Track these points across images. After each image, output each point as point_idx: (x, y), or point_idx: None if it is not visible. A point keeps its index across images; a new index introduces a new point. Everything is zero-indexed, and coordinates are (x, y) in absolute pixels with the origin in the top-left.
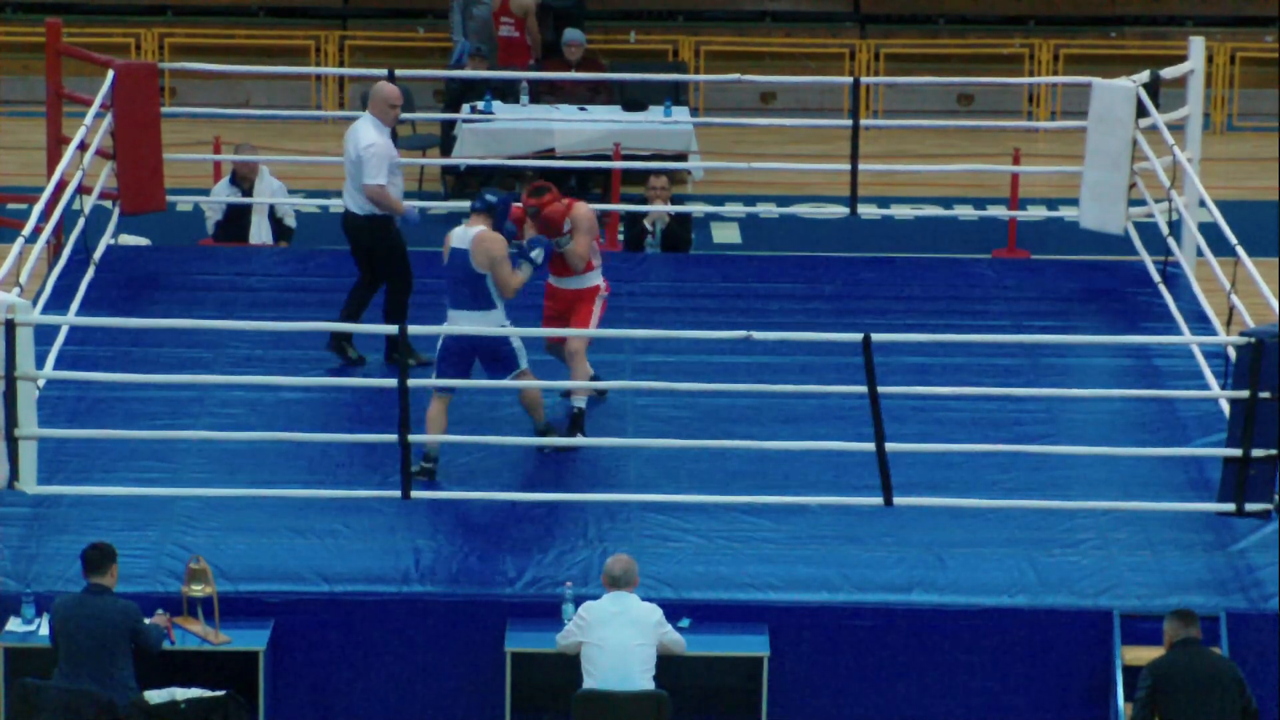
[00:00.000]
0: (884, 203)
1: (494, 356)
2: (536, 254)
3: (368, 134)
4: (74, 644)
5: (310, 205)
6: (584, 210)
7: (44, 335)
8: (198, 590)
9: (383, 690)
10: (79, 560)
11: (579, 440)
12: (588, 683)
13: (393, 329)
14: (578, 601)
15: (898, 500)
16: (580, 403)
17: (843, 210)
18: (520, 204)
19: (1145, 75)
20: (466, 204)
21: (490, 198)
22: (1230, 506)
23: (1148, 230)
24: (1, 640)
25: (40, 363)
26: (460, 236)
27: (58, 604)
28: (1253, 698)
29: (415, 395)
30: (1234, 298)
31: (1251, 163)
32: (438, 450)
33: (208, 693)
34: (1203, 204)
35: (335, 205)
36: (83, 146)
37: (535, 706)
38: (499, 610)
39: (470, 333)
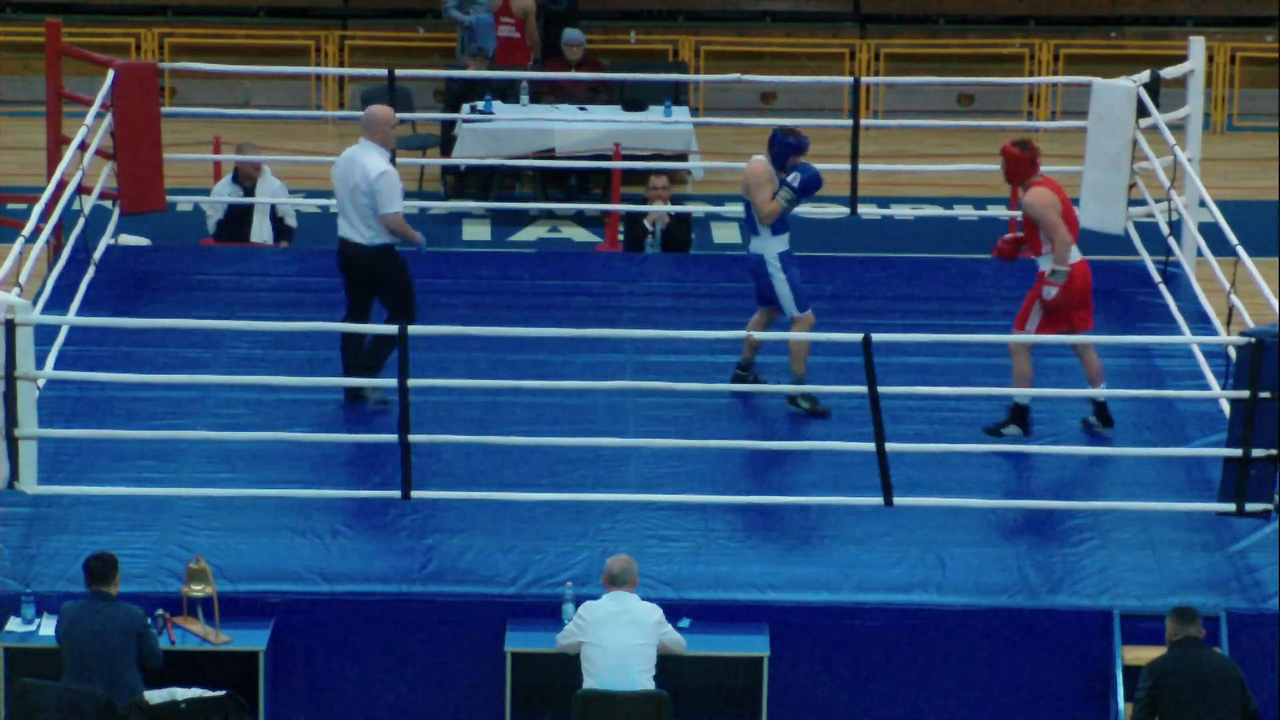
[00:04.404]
0: (884, 203)
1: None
2: (793, 177)
3: (376, 162)
4: (81, 651)
5: (311, 205)
6: None
7: (44, 335)
8: (198, 590)
9: (383, 690)
10: (82, 569)
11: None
12: (588, 683)
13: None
14: (578, 601)
15: (898, 500)
16: (1023, 399)
17: (843, 210)
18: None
19: (1145, 75)
20: (466, 204)
21: (780, 135)
22: (1230, 506)
23: (1148, 230)
24: (1, 640)
25: (40, 363)
26: None
27: (64, 611)
28: (1253, 698)
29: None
30: (1234, 298)
31: (1251, 163)
32: None
33: (208, 693)
34: (1203, 204)
35: (335, 205)
36: (83, 146)
37: (535, 706)
38: (499, 610)
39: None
